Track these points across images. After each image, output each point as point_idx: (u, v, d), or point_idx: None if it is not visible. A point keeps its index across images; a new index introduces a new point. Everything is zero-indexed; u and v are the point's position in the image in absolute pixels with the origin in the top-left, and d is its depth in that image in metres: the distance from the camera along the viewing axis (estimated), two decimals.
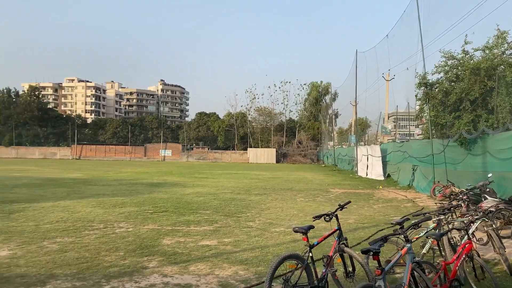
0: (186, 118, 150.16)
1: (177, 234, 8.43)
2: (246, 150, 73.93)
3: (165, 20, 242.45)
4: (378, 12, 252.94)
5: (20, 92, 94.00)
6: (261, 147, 74.74)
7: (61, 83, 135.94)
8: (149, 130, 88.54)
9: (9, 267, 5.91)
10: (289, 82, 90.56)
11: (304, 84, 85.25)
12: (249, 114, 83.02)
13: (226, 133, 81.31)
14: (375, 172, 26.81)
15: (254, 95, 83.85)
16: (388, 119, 41.26)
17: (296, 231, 4.60)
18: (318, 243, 4.74)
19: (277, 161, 70.11)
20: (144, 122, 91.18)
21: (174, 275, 5.69)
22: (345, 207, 5.39)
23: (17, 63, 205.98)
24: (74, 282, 5.28)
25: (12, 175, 26.47)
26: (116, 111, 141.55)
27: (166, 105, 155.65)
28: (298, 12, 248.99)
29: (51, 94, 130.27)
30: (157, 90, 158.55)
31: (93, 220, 9.90)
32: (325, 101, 77.75)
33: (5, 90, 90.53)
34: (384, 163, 26.22)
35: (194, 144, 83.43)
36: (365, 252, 3.66)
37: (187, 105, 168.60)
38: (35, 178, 24.01)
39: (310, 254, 4.50)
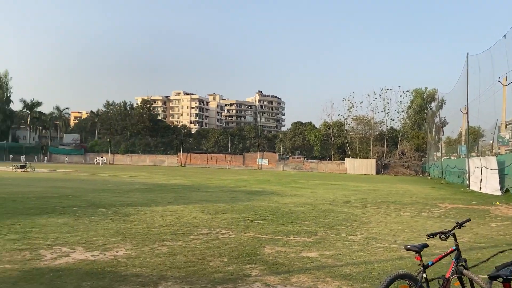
0: (282, 128, 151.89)
1: (278, 244, 8.44)
2: (343, 160, 72.23)
3: (262, 33, 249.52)
4: (491, 12, 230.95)
5: (134, 105, 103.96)
6: (360, 158, 72.40)
7: (169, 96, 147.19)
8: (247, 140, 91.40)
9: (126, 266, 6.42)
10: (390, 89, 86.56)
11: (407, 91, 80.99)
12: (346, 123, 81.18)
13: (322, 143, 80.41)
14: (491, 186, 24.24)
15: (352, 103, 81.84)
16: (506, 127, 37.11)
17: (408, 249, 4.26)
18: (433, 263, 4.34)
19: (377, 172, 67.27)
20: (243, 131, 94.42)
21: (277, 285, 5.66)
22: (463, 225, 4.88)
23: (132, 79, 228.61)
24: (183, 285, 5.54)
25: (127, 180, 29.16)
26: (218, 121, 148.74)
27: (263, 115, 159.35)
28: (401, 13, 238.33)
29: (160, 107, 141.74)
30: (255, 101, 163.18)
31: (198, 225, 10.39)
32: (431, 108, 72.87)
33: (122, 104, 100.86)
34: (502, 177, 23.58)
35: (290, 154, 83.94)
36: (493, 277, 3.22)
37: (283, 115, 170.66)
38: (146, 183, 26.14)
39: (424, 275, 4.12)
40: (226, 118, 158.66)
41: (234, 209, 13.80)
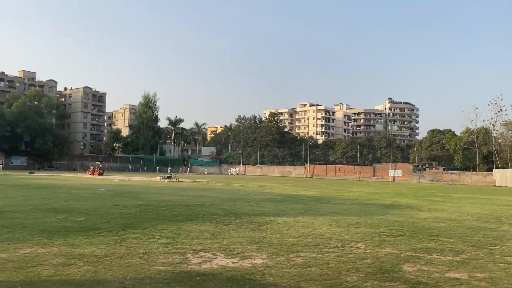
0: (417, 136, 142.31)
1: (419, 262, 7.84)
2: (491, 171, 64.26)
3: (389, 36, 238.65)
4: None
5: (263, 119, 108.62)
6: None
7: (295, 108, 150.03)
8: (377, 150, 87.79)
9: (264, 275, 6.64)
10: None
11: None
12: (493, 130, 72.23)
13: (464, 152, 72.80)
14: None
15: (499, 107, 72.58)
16: None
17: None
18: None
19: None
20: (372, 141, 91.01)
21: None
22: None
23: (261, 94, 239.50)
24: None
25: (258, 190, 30.42)
26: (345, 131, 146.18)
27: (394, 123, 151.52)
28: None
29: (287, 119, 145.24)
30: (385, 108, 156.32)
31: (331, 238, 10.26)
32: None
33: (252, 118, 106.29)
34: None
35: (426, 164, 77.90)
36: None
37: (417, 122, 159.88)
38: (276, 194, 26.91)
39: None
40: (353, 128, 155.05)
41: (368, 223, 13.30)
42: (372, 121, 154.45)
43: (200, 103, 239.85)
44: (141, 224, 11.60)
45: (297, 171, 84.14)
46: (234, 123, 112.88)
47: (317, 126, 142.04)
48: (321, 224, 12.82)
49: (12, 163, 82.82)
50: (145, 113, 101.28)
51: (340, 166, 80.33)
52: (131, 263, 7.12)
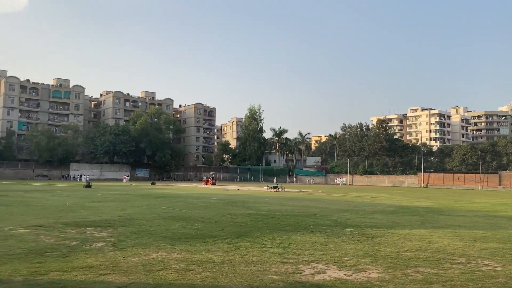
0: None
1: None
2: None
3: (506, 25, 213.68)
4: None
5: (370, 126, 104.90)
6: None
7: (405, 114, 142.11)
8: (503, 156, 78.77)
9: None
10: None
11: None
12: None
13: None
14: None
15: None
16: None
17: None
18: None
19: None
20: (497, 147, 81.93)
21: None
22: None
23: (366, 100, 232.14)
24: None
25: (368, 201, 29.34)
26: (463, 136, 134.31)
27: None
28: None
29: (396, 125, 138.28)
30: (510, 110, 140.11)
31: (453, 253, 9.45)
32: None
33: (358, 125, 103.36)
34: None
35: None
36: None
37: None
38: (388, 205, 25.65)
39: None
40: (473, 133, 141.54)
41: (496, 238, 11.96)
42: (495, 124, 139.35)
43: (303, 113, 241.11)
44: (252, 233, 11.98)
45: (409, 180, 79.35)
46: (339, 131, 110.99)
47: (430, 132, 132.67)
48: (441, 237, 11.87)
49: (136, 174, 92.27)
50: (251, 125, 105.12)
51: (459, 174, 73.75)
52: (246, 271, 7.38)
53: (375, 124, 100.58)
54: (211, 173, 75.49)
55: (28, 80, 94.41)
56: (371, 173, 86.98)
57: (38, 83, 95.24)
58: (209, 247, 9.61)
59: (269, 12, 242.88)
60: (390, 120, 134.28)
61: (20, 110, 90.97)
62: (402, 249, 9.85)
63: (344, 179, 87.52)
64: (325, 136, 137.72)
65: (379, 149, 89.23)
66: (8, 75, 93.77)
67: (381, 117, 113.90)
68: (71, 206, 20.51)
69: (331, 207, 22.69)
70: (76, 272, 7.10)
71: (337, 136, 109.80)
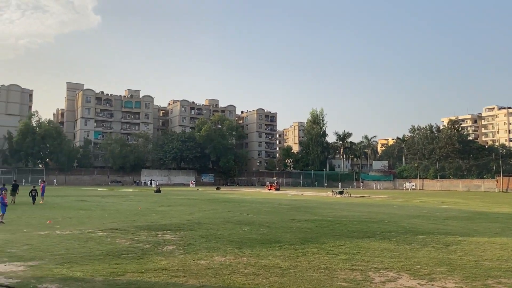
0: None
1: None
2: None
3: None
4: None
5: (441, 127, 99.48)
6: None
7: (480, 113, 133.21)
8: None
9: None
10: None
11: None
12: None
13: None
14: None
15: None
16: None
17: None
18: None
19: None
20: None
21: None
22: None
23: (436, 100, 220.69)
24: None
25: (441, 207, 27.81)
26: None
27: None
28: None
29: (470, 126, 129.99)
30: None
31: None
32: None
33: (427, 127, 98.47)
34: None
35: None
36: None
37: None
38: (463, 211, 24.14)
39: None
40: None
41: None
42: None
43: (368, 115, 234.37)
44: (318, 239, 11.84)
45: (487, 184, 74.10)
46: (408, 134, 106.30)
47: (509, 132, 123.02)
48: None
49: (202, 179, 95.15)
50: (313, 129, 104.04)
51: None
52: (313, 277, 7.31)
53: (446, 125, 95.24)
54: (275, 178, 75.77)
55: (102, 92, 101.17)
56: (442, 177, 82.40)
57: (111, 95, 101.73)
58: (275, 252, 9.64)
59: (329, 12, 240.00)
60: (462, 120, 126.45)
61: (95, 121, 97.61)
62: (481, 258, 9.23)
63: (413, 183, 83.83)
64: (392, 139, 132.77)
65: (451, 152, 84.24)
66: (84, 88, 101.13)
67: (453, 118, 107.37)
68: (143, 210, 21.60)
69: (400, 213, 21.82)
70: (150, 273, 7.46)
71: (405, 138, 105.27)
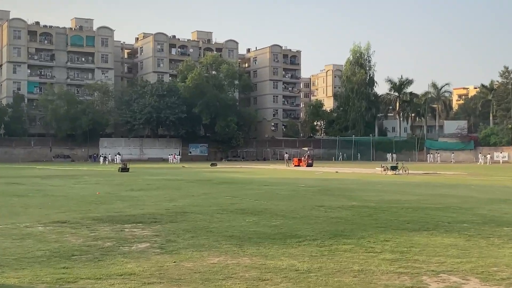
0: None
1: None
2: None
3: None
4: None
5: None
6: None
7: None
8: None
9: None
10: None
11: None
12: None
13: None
14: None
15: None
16: None
17: None
18: None
19: None
20: None
21: None
22: None
23: None
24: None
25: None
26: None
27: None
28: None
29: None
30: None
31: None
32: None
33: None
34: None
35: None
36: None
37: None
38: None
39: None
40: None
41: None
42: None
43: (437, 53, 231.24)
44: (355, 232, 12.24)
45: None
46: (497, 79, 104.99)
47: None
48: None
49: (190, 152, 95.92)
50: (355, 75, 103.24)
51: None
52: (342, 282, 7.70)
53: None
54: (306, 148, 74.66)
55: (37, 23, 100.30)
56: None
57: (51, 27, 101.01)
58: (291, 251, 10.07)
59: None
60: None
61: (29, 66, 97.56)
62: None
63: (505, 154, 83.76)
64: (475, 88, 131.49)
65: None
66: (11, 17, 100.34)
67: None
68: (103, 196, 22.21)
69: (480, 196, 22.16)
70: (113, 280, 7.90)
71: (494, 86, 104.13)
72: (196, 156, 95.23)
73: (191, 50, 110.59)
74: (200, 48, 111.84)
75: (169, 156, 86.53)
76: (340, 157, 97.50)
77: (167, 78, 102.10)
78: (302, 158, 64.20)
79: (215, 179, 36.15)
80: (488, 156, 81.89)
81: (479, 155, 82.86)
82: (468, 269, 8.57)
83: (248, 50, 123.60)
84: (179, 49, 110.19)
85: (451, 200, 20.32)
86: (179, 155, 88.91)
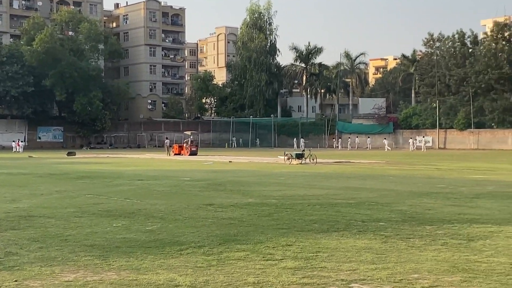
0: None
1: None
2: None
3: None
4: None
5: (480, 37, 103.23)
6: None
7: None
8: None
9: None
10: None
11: None
12: None
13: None
14: None
15: None
16: None
17: None
18: None
19: None
20: None
21: None
22: None
23: None
24: None
25: (470, 177, 29.77)
26: None
27: None
28: None
29: None
30: None
31: None
32: None
33: (455, 36, 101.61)
34: None
35: None
36: None
37: None
38: (507, 183, 26.01)
39: None
40: None
41: None
42: None
43: (350, 19, 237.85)
44: (250, 236, 12.41)
45: None
46: (421, 48, 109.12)
47: None
48: None
49: (39, 138, 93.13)
50: (253, 40, 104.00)
51: None
52: None
53: (489, 34, 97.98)
54: (189, 132, 72.95)
55: None
56: (480, 125, 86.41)
57: None
58: (170, 262, 10.02)
59: None
60: None
61: None
62: None
63: (429, 138, 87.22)
64: (394, 59, 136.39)
65: (497, 81, 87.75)
66: None
67: (502, 19, 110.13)
68: None
69: (399, 189, 23.10)
70: None
71: (417, 57, 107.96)
72: (48, 143, 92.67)
73: (39, 3, 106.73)
74: (52, 0, 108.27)
75: (12, 143, 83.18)
76: (235, 143, 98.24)
77: (7, 40, 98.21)
78: (184, 145, 63.70)
79: (73, 172, 35.28)
80: (411, 141, 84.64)
81: (410, 140, 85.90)
82: (384, 277, 8.88)
83: (117, 6, 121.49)
84: (23, 1, 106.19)
85: (365, 195, 21.01)
86: (24, 141, 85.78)
